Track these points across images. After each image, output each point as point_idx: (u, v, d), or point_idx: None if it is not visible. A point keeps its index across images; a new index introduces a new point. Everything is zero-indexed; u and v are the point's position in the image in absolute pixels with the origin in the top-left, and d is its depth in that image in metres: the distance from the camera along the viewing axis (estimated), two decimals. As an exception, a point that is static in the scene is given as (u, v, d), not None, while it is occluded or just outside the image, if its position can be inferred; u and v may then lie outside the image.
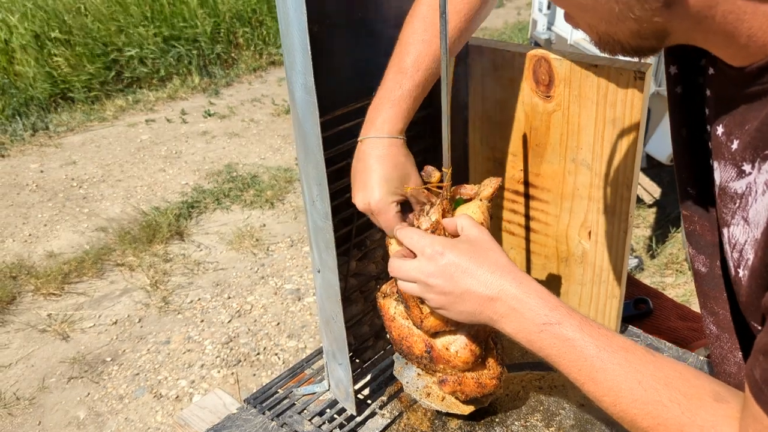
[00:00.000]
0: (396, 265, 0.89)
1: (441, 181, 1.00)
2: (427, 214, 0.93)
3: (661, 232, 3.61)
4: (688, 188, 0.89)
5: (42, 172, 4.54)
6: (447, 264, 0.83)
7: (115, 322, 3.08)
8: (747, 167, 0.66)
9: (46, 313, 3.14)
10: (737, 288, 0.73)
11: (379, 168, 0.94)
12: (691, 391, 0.68)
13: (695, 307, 1.19)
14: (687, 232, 0.93)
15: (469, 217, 0.92)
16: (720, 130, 0.71)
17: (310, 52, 0.83)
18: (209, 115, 5.47)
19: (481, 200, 0.97)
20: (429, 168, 1.00)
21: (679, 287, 3.19)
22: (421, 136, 1.18)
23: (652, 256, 3.44)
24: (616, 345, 0.73)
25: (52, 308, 3.17)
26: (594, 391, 0.74)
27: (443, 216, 0.93)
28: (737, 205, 0.69)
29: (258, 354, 2.88)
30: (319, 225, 0.98)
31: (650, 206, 3.88)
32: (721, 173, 0.72)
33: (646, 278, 3.23)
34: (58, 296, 3.26)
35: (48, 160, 4.69)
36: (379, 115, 0.95)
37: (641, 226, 3.74)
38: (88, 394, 2.68)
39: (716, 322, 0.91)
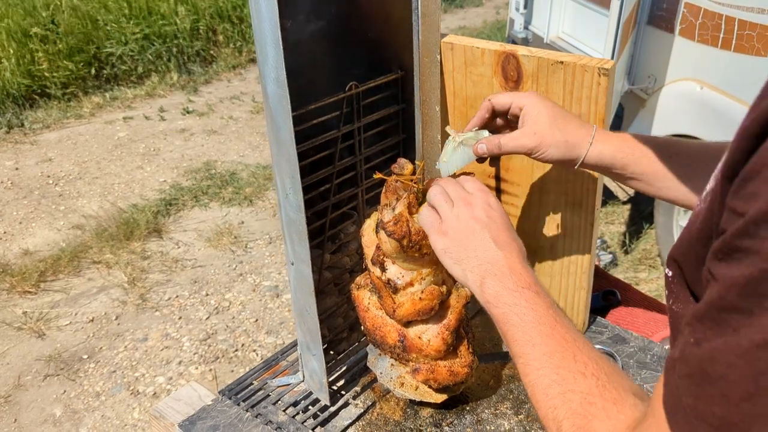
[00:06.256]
0: (437, 191, 0.89)
1: (413, 174, 1.02)
2: (393, 207, 0.94)
3: (634, 229, 3.68)
4: None
5: (17, 169, 4.48)
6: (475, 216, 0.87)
7: (92, 320, 3.07)
8: None
9: (22, 310, 3.11)
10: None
11: None
12: (615, 377, 0.68)
13: (664, 301, 1.20)
14: None
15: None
16: None
17: (281, 47, 0.84)
18: (188, 112, 5.45)
19: None
20: (402, 160, 1.02)
21: (652, 282, 3.25)
22: (395, 131, 1.20)
23: (626, 252, 3.50)
24: (572, 333, 0.75)
25: (27, 306, 3.15)
26: (527, 354, 0.75)
27: (409, 210, 0.94)
28: None
29: (236, 350, 2.88)
30: (292, 217, 1.00)
31: (624, 203, 3.94)
32: None
33: (619, 274, 3.28)
34: (33, 294, 3.23)
35: (23, 158, 4.64)
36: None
37: (615, 222, 3.79)
38: (65, 391, 2.67)
39: None
